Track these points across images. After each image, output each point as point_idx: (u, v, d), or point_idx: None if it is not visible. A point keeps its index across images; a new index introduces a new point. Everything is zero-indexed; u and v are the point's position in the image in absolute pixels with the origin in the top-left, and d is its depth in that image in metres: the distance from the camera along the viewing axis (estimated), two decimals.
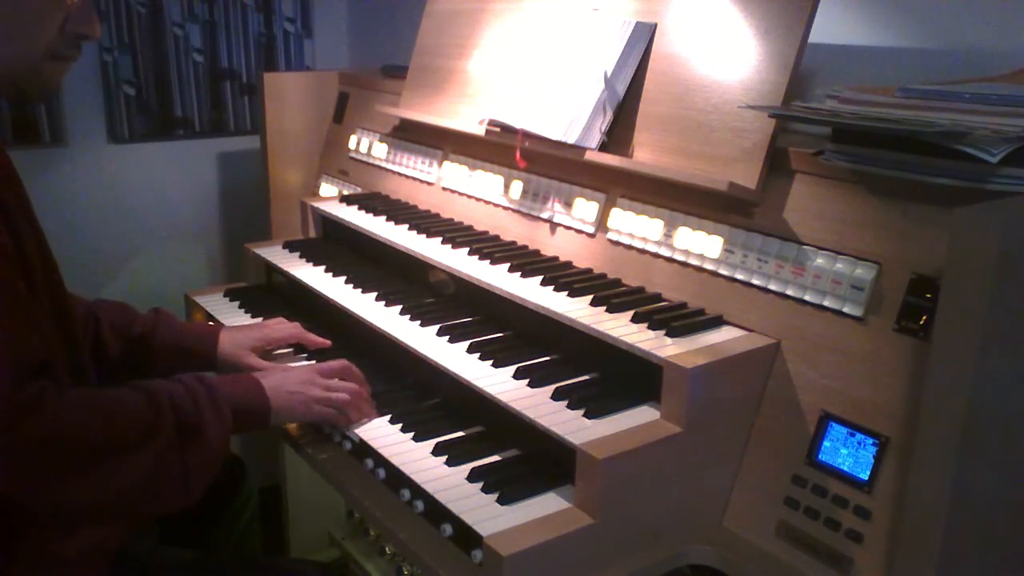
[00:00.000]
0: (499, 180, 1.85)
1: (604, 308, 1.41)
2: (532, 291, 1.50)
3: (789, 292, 1.31)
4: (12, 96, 1.20)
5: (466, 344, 1.48)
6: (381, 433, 1.40)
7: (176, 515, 1.26)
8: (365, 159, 2.31)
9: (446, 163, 2.01)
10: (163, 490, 1.17)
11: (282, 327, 1.66)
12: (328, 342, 1.68)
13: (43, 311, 1.20)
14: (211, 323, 1.76)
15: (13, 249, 1.13)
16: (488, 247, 1.71)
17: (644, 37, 1.58)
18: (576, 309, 1.42)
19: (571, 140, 1.59)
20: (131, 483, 1.14)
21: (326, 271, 1.88)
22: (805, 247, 1.30)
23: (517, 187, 1.80)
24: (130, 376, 1.58)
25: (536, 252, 1.72)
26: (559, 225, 1.71)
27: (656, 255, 1.51)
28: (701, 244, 1.43)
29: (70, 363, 1.28)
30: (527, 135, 1.68)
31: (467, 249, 1.71)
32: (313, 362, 1.60)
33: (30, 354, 1.10)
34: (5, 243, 1.11)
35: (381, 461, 1.33)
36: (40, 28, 1.11)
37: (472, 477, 1.26)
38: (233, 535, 1.70)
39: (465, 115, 1.92)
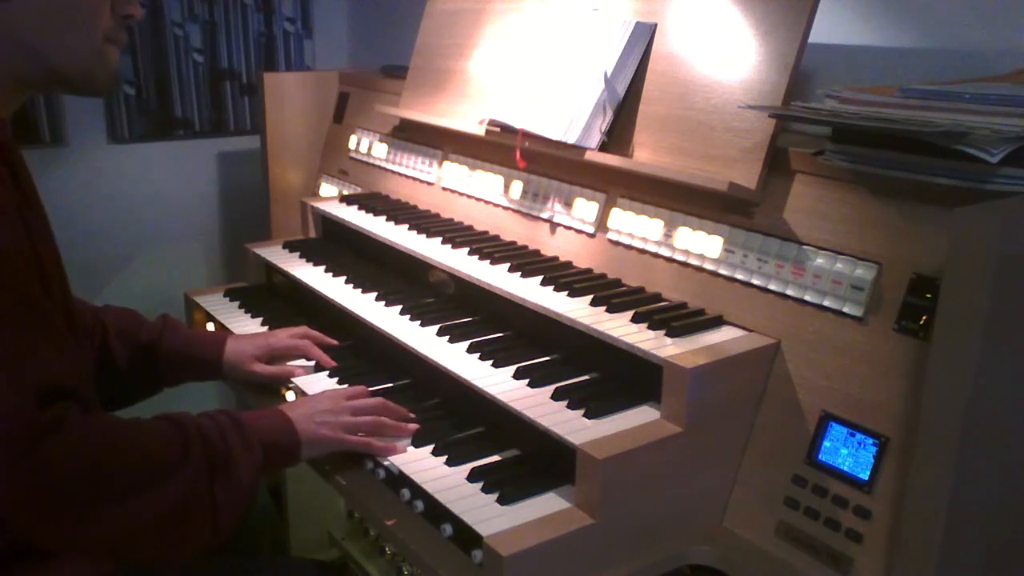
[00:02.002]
0: (499, 180, 1.85)
1: (604, 308, 1.41)
2: (532, 291, 1.50)
3: (789, 292, 1.31)
4: (82, 87, 1.22)
5: (466, 344, 1.48)
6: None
7: None
8: (365, 159, 2.31)
9: (446, 163, 2.01)
10: (190, 526, 1.13)
11: (288, 338, 1.64)
12: (333, 363, 1.63)
13: (59, 317, 1.17)
14: (218, 331, 1.73)
15: (35, 265, 1.11)
16: (488, 247, 1.71)
17: (644, 37, 1.58)
18: (576, 309, 1.42)
19: (571, 140, 1.59)
20: (157, 517, 1.09)
21: (326, 271, 1.88)
22: (805, 247, 1.30)
23: (517, 187, 1.80)
24: (137, 383, 1.57)
25: (536, 252, 1.72)
26: (559, 225, 1.71)
27: (656, 255, 1.51)
28: (701, 244, 1.43)
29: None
30: (527, 135, 1.68)
31: (467, 249, 1.71)
32: (345, 386, 1.55)
33: (55, 375, 1.06)
34: (30, 258, 1.09)
35: (381, 461, 1.33)
36: (98, 14, 1.17)
37: (472, 477, 1.26)
38: (241, 536, 1.69)
39: (465, 115, 1.92)
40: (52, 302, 1.15)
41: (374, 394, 1.47)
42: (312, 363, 1.63)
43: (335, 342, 1.67)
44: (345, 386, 1.53)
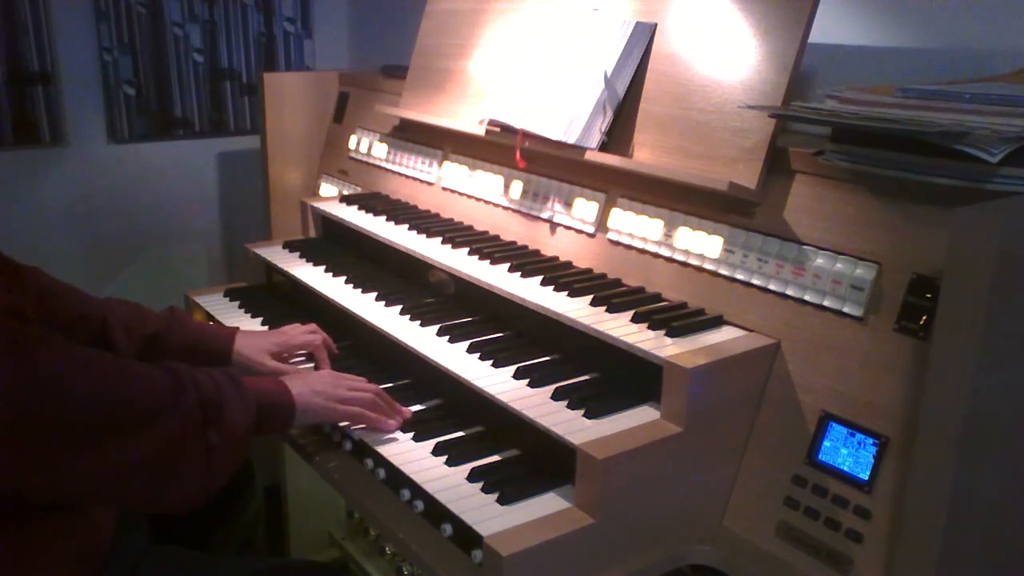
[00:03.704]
0: (499, 180, 1.85)
1: (604, 308, 1.41)
2: (532, 291, 1.50)
3: (789, 292, 1.31)
4: None
5: (466, 344, 1.48)
6: (381, 433, 1.40)
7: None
8: (365, 159, 2.31)
9: (446, 163, 2.01)
10: (183, 468, 1.13)
11: (301, 337, 1.64)
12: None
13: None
14: (227, 325, 1.71)
15: None
16: (488, 247, 1.71)
17: (644, 37, 1.58)
18: (576, 309, 1.42)
19: (571, 140, 1.59)
20: (150, 454, 1.09)
21: (326, 271, 1.88)
22: (805, 247, 1.30)
23: (517, 187, 1.80)
24: None
25: (536, 252, 1.72)
26: (559, 225, 1.71)
27: (656, 255, 1.51)
28: (701, 244, 1.43)
29: None
30: (527, 135, 1.68)
31: (467, 249, 1.71)
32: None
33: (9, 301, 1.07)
34: None
35: (381, 461, 1.33)
36: None
37: (472, 477, 1.26)
38: (237, 532, 1.69)
39: (465, 115, 1.92)
40: None
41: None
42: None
43: (335, 351, 1.68)
44: None
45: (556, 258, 1.68)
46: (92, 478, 1.08)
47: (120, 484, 1.11)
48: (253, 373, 1.59)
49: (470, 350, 1.46)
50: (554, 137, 1.62)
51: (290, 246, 2.07)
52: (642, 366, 1.28)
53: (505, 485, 1.23)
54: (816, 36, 1.36)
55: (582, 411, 1.27)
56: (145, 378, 1.14)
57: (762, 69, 1.39)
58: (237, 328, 1.65)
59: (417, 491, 1.25)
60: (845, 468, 1.20)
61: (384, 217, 1.95)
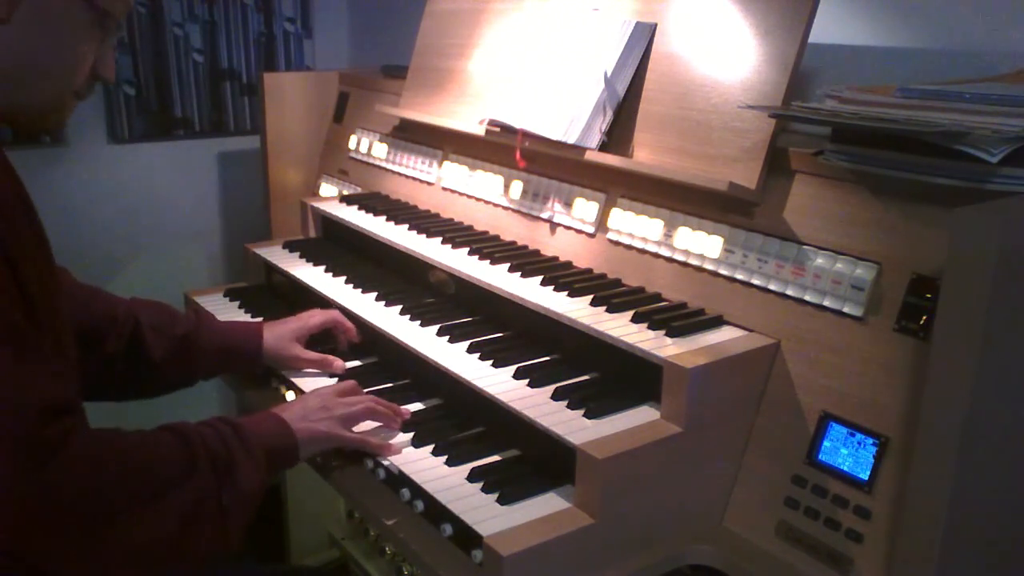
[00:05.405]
0: (499, 180, 1.85)
1: (604, 308, 1.41)
2: (532, 291, 1.50)
3: (789, 292, 1.31)
4: (28, 127, 1.22)
5: (466, 344, 1.48)
6: (381, 434, 1.39)
7: None
8: (365, 159, 2.31)
9: (446, 163, 2.01)
10: (201, 535, 1.12)
11: (318, 316, 1.67)
12: (356, 338, 1.69)
13: (46, 341, 1.12)
14: (251, 321, 1.71)
15: (13, 282, 1.06)
16: (488, 247, 1.71)
17: (644, 37, 1.58)
18: (576, 309, 1.42)
19: (571, 140, 1.59)
20: (167, 527, 1.08)
21: (326, 271, 1.88)
22: (805, 247, 1.30)
23: (517, 187, 1.80)
24: (172, 376, 1.57)
25: (536, 252, 1.72)
26: (559, 225, 1.71)
27: (656, 255, 1.52)
28: (701, 244, 1.43)
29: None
30: (527, 135, 1.68)
31: (467, 249, 1.71)
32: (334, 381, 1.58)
33: (51, 395, 1.04)
34: (8, 285, 1.04)
35: (381, 461, 1.33)
36: (79, 70, 1.15)
37: (472, 477, 1.26)
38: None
39: (465, 115, 1.92)
40: (35, 323, 1.10)
41: (374, 394, 1.47)
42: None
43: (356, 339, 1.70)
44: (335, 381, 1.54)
45: (556, 258, 1.68)
46: (113, 556, 1.06)
47: (139, 560, 1.09)
48: (286, 367, 1.62)
49: (470, 350, 1.46)
50: (554, 137, 1.62)
51: (290, 246, 2.07)
52: (642, 366, 1.28)
53: (505, 485, 1.23)
54: (816, 36, 1.36)
55: (582, 411, 1.27)
56: (159, 450, 1.13)
57: (762, 69, 1.39)
58: (262, 322, 1.65)
59: (417, 491, 1.25)
60: (845, 468, 1.20)
61: (384, 217, 1.95)
